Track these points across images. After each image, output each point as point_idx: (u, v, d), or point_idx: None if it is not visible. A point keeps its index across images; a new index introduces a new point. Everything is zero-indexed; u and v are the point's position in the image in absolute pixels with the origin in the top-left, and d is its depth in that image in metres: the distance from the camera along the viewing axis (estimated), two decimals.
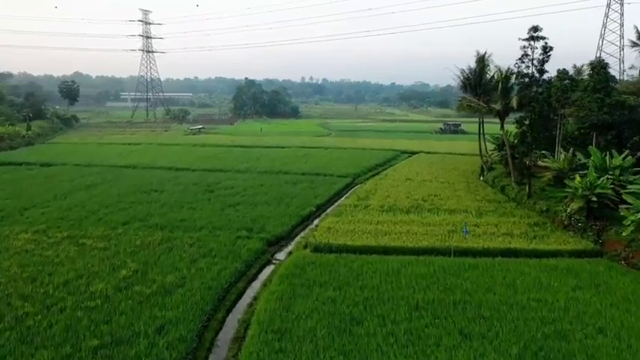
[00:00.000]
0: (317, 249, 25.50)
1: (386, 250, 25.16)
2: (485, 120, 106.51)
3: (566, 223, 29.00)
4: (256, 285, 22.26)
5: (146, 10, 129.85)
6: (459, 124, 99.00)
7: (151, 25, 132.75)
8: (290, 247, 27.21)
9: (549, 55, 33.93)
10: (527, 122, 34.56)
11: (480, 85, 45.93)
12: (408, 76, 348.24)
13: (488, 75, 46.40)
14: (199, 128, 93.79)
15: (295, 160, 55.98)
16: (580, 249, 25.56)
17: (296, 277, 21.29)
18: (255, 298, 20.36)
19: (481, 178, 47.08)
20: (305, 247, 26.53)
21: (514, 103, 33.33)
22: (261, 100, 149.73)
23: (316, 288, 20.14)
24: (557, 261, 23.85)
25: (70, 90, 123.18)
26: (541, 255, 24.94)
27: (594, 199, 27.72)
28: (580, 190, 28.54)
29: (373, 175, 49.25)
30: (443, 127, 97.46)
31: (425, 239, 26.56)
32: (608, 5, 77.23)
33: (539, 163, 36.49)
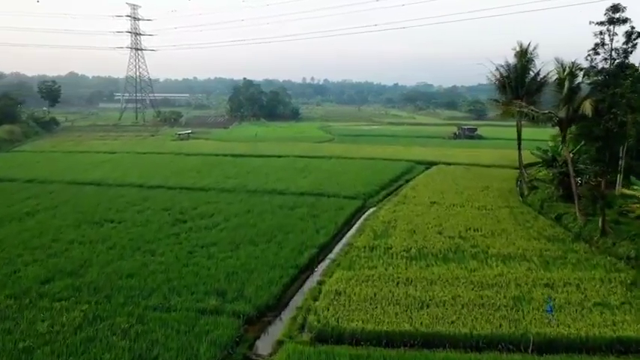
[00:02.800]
0: (321, 337, 16.57)
1: (427, 341, 16.22)
2: (503, 124, 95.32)
3: None
4: None
5: (135, 5, 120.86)
6: (475, 129, 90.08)
7: (140, 21, 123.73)
8: (280, 327, 18.17)
9: (636, 44, 25.00)
10: (600, 135, 25.57)
11: (523, 85, 37.04)
12: (411, 77, 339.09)
13: (531, 72, 37.60)
14: (188, 133, 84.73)
15: (293, 175, 47.01)
16: None
17: None
18: None
19: (520, 198, 38.14)
20: (302, 328, 17.58)
21: (587, 108, 24.45)
22: (259, 102, 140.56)
23: None
24: None
25: (50, 90, 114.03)
26: None
27: None
28: None
29: (388, 195, 40.40)
30: (457, 132, 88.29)
31: (483, 317, 17.57)
32: None
33: (624, 190, 27.52)
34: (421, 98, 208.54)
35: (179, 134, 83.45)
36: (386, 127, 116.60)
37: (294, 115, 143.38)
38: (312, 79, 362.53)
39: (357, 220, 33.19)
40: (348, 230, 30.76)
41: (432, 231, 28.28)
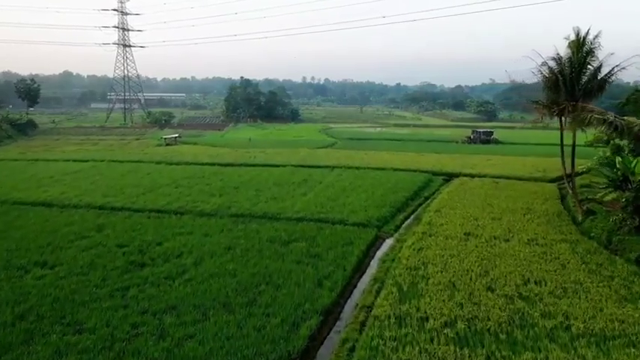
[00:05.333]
0: None
1: None
2: (516, 126, 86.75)
3: None
4: None
5: None
6: (492, 132, 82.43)
7: (128, 16, 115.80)
8: None
9: None
10: None
11: (579, 84, 29.23)
12: (413, 77, 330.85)
13: (590, 67, 29.79)
14: (175, 137, 76.97)
15: (290, 191, 39.21)
16: None
17: None
18: None
19: (574, 226, 30.26)
20: None
21: None
22: (256, 102, 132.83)
23: None
24: None
25: (28, 90, 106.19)
26: None
27: None
28: None
29: (406, 219, 32.79)
30: (472, 136, 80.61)
31: None
32: None
33: None
34: (425, 99, 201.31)
35: (165, 138, 75.69)
36: (392, 130, 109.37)
37: (294, 117, 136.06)
38: (313, 78, 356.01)
39: (372, 259, 25.41)
40: (361, 277, 22.98)
41: (479, 285, 20.39)
